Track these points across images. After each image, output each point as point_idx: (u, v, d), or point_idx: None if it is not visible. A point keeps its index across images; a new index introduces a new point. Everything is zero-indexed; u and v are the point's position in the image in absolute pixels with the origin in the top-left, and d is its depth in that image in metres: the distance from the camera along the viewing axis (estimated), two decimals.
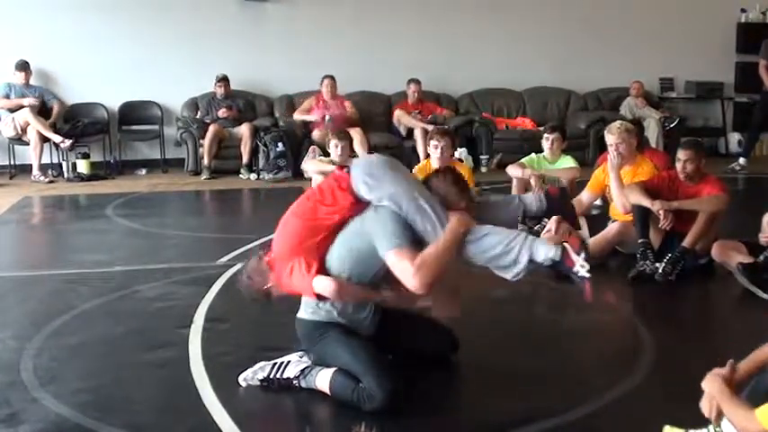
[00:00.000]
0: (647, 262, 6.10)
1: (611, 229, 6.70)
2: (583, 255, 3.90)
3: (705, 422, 3.07)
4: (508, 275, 3.99)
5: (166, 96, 12.06)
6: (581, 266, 3.88)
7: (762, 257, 5.96)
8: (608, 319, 5.57)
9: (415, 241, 3.93)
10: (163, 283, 6.13)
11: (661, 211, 6.18)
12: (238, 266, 6.44)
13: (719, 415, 2.98)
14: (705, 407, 3.01)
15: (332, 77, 11.77)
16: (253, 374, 4.18)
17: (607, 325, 5.47)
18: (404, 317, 4.39)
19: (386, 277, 4.01)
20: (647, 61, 13.13)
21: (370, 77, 12.44)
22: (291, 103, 12.16)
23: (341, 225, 4.07)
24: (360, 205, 4.06)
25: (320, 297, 4.02)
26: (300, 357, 4.22)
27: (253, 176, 11.27)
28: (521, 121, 12.52)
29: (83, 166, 11.33)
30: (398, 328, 4.30)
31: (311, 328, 4.16)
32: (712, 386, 2.96)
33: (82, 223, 8.75)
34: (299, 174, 10.61)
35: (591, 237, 6.59)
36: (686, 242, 6.11)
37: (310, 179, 7.84)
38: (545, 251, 3.89)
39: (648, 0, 13.23)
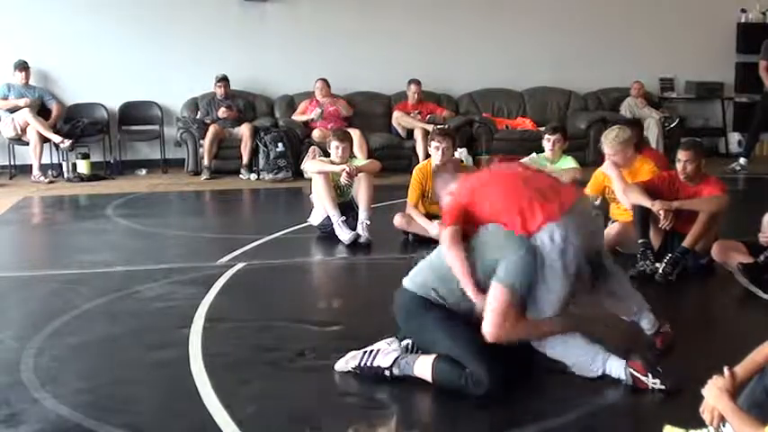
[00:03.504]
0: (648, 262, 6.11)
1: (612, 229, 6.69)
2: (650, 375, 4.04)
3: (705, 423, 3.07)
4: (575, 371, 4.20)
5: (166, 96, 12.05)
6: (653, 384, 4.02)
7: (762, 257, 5.96)
8: (608, 319, 5.56)
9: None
10: (163, 284, 6.13)
11: (661, 212, 6.18)
12: (239, 267, 6.50)
13: (721, 423, 2.98)
14: (707, 417, 3.00)
15: (324, 80, 11.82)
16: (345, 363, 4.28)
17: (607, 324, 5.46)
18: None
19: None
20: (648, 61, 13.13)
21: (371, 78, 12.44)
22: (291, 103, 12.16)
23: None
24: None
25: None
26: (389, 344, 4.29)
27: (253, 177, 11.27)
28: (521, 121, 12.52)
29: (83, 167, 11.33)
30: None
31: (415, 302, 4.22)
32: (716, 400, 2.95)
33: (82, 223, 8.75)
34: (299, 174, 10.63)
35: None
36: (686, 242, 6.12)
37: (310, 179, 7.83)
38: (618, 371, 4.09)
39: (649, 0, 13.23)
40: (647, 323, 4.54)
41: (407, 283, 4.29)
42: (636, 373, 4.04)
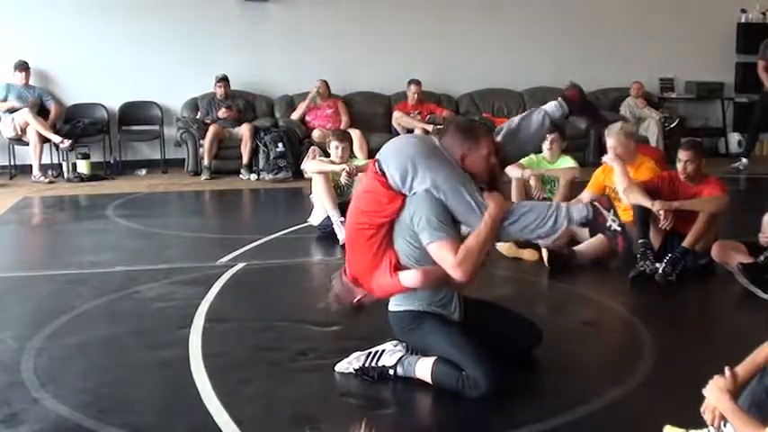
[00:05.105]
0: (648, 262, 6.10)
1: None
2: (612, 210, 4.22)
3: (706, 422, 3.07)
4: (545, 242, 4.45)
5: (166, 97, 12.06)
6: (612, 221, 4.18)
7: (762, 257, 5.97)
8: (608, 319, 5.58)
9: (454, 221, 4.05)
10: (163, 284, 6.13)
11: (661, 212, 6.18)
12: (239, 267, 6.50)
13: (721, 423, 2.98)
14: (708, 417, 3.01)
15: (324, 81, 11.86)
16: (348, 365, 4.29)
17: (607, 325, 5.47)
18: (490, 308, 4.53)
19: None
20: (647, 61, 13.15)
21: (371, 78, 12.46)
22: (291, 103, 12.16)
23: (398, 212, 4.08)
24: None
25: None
26: (395, 346, 4.30)
27: (253, 177, 11.29)
28: None
29: (83, 167, 11.33)
30: (486, 320, 4.36)
31: (405, 319, 4.22)
32: (717, 400, 2.95)
33: (82, 224, 8.75)
34: (299, 174, 10.62)
35: (590, 237, 6.58)
36: (686, 242, 6.11)
37: (310, 179, 7.84)
38: (579, 212, 4.13)
39: (649, 0, 13.24)
40: (578, 212, 4.17)
41: (391, 306, 4.29)
42: (599, 206, 4.16)
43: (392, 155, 4.08)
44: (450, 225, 4.02)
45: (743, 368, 3.04)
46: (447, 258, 3.94)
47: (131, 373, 4.47)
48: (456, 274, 3.96)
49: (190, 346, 4.74)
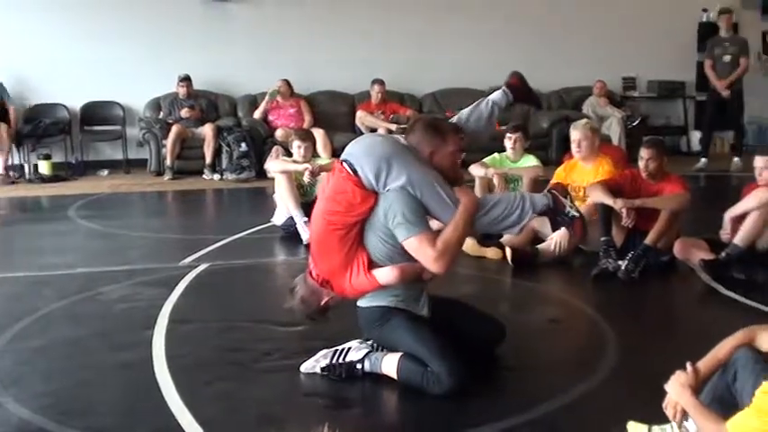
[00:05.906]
0: (610, 259, 6.15)
1: None
2: (569, 197, 4.41)
3: (668, 418, 3.09)
4: (512, 232, 4.49)
5: (129, 96, 12.00)
6: (570, 207, 4.34)
7: (723, 254, 6.02)
8: (571, 317, 5.60)
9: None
10: (126, 285, 6.09)
11: (623, 209, 6.23)
12: (203, 267, 6.47)
13: (683, 417, 3.01)
14: (669, 411, 3.04)
15: (286, 80, 11.87)
16: (314, 363, 4.28)
17: (570, 322, 5.49)
18: (454, 305, 4.58)
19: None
20: (610, 61, 13.25)
21: (334, 77, 12.46)
22: (254, 102, 12.13)
23: (370, 211, 4.07)
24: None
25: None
26: (360, 343, 4.32)
27: (216, 177, 11.25)
28: None
29: (44, 168, 11.26)
30: (449, 317, 4.38)
31: (375, 314, 4.23)
32: (679, 396, 2.98)
33: (44, 225, 8.67)
34: (262, 174, 10.61)
35: (552, 232, 6.60)
36: (648, 240, 6.16)
37: (273, 179, 7.82)
38: (540, 200, 4.28)
39: (611, 0, 13.33)
40: (541, 202, 4.33)
41: (360, 302, 4.29)
42: (557, 194, 4.33)
43: (363, 155, 4.06)
44: (426, 220, 4.05)
45: (704, 364, 3.07)
46: (427, 252, 3.95)
47: (94, 375, 4.43)
48: (435, 267, 3.98)
49: (153, 348, 4.71)
